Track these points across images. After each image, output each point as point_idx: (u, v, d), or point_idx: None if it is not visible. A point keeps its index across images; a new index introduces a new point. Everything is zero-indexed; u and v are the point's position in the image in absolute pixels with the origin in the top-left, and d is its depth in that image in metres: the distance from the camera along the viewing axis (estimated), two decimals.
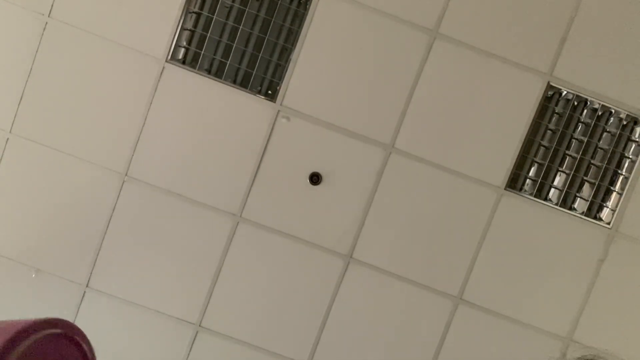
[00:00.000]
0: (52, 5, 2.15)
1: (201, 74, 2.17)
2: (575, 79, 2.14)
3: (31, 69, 2.16)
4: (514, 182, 2.18)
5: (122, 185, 2.20)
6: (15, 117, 2.18)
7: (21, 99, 2.18)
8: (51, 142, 2.19)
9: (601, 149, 2.18)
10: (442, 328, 2.22)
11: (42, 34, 2.15)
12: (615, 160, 2.18)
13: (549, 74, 2.14)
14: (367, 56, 2.15)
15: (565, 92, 2.15)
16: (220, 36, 2.17)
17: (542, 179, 2.18)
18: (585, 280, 2.19)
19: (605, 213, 2.19)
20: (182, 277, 2.23)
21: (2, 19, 2.16)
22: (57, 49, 2.16)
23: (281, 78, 2.17)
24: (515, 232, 2.18)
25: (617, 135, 2.16)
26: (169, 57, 2.16)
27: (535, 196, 2.18)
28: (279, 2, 2.15)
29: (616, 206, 2.17)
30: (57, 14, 2.15)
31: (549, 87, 2.14)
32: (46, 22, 2.15)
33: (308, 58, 2.15)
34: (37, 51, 2.16)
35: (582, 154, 2.18)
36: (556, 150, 2.18)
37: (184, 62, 2.17)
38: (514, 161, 2.16)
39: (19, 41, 2.16)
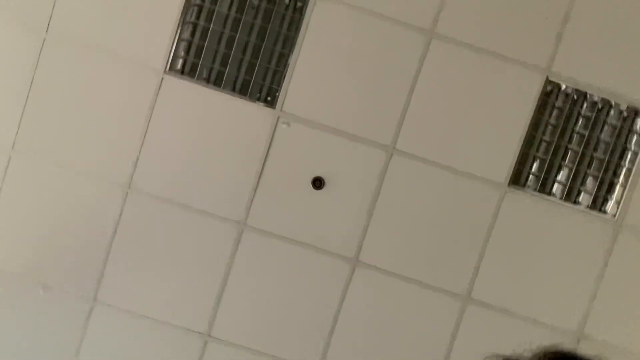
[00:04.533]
0: (49, 22, 2.16)
1: (200, 84, 2.18)
2: (574, 73, 2.14)
3: (31, 85, 2.17)
4: (517, 179, 2.18)
5: (125, 197, 2.20)
6: (17, 133, 2.19)
7: (22, 115, 2.19)
8: (54, 157, 2.20)
9: (603, 141, 2.17)
10: (452, 327, 2.21)
11: (41, 51, 2.16)
12: (618, 152, 2.17)
13: (547, 69, 2.14)
14: (365, 59, 2.16)
15: (564, 87, 2.15)
16: (218, 45, 2.18)
17: (545, 174, 2.18)
18: (593, 274, 2.18)
19: (610, 205, 2.18)
20: (190, 287, 2.23)
21: (0, 36, 2.17)
22: (55, 64, 2.17)
23: (280, 84, 2.17)
24: (520, 228, 2.18)
25: (618, 127, 2.16)
26: (168, 68, 2.17)
27: (539, 191, 2.18)
28: (275, 9, 2.16)
29: (621, 198, 2.17)
30: (55, 30, 2.16)
31: (548, 82, 2.15)
32: (44, 39, 2.16)
33: (306, 63, 2.16)
34: (36, 68, 2.17)
35: (584, 148, 2.17)
36: (558, 145, 2.18)
37: (182, 73, 2.18)
38: (516, 157, 2.16)
39: (17, 58, 2.17)
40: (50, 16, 2.15)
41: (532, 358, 0.68)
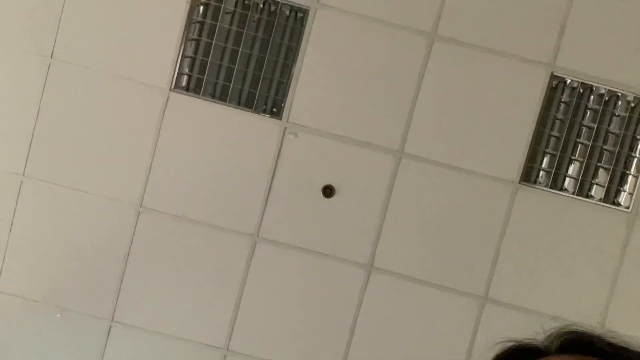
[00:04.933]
0: (53, 46, 2.18)
1: (206, 99, 2.19)
2: (579, 66, 2.13)
3: (39, 111, 2.19)
4: (528, 175, 2.17)
5: (138, 216, 2.21)
6: (27, 160, 2.21)
7: (31, 141, 2.20)
8: (64, 181, 2.21)
9: (612, 133, 2.16)
10: (471, 329, 2.19)
11: (47, 76, 2.18)
12: (628, 143, 2.16)
13: (551, 64, 2.13)
14: (368, 65, 2.16)
15: (569, 81, 2.15)
16: (221, 60, 2.19)
17: (555, 169, 2.17)
18: (610, 267, 2.17)
19: (623, 197, 2.17)
20: (206, 302, 2.23)
21: (6, 63, 2.19)
22: (62, 88, 2.19)
23: (285, 95, 2.18)
24: (534, 226, 2.17)
25: (626, 118, 2.15)
26: (173, 85, 2.18)
27: (550, 187, 2.17)
28: (276, 21, 2.17)
29: (634, 189, 2.15)
30: (59, 55, 2.18)
31: (553, 77, 2.14)
32: (49, 64, 2.18)
33: (310, 73, 2.17)
34: (42, 93, 2.19)
35: (593, 141, 2.16)
36: (567, 140, 2.17)
37: (187, 89, 2.19)
38: (526, 154, 2.15)
39: (24, 85, 2.19)
40: (55, 41, 2.17)
41: (545, 339, 0.68)
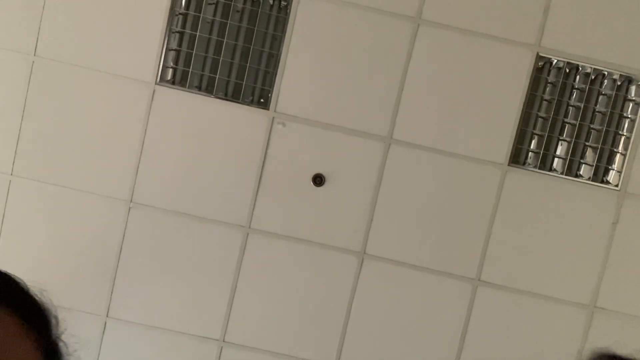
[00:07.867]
0: (36, 44, 2.16)
1: (192, 92, 2.17)
2: (564, 46, 2.13)
3: (24, 109, 2.17)
4: (517, 157, 2.18)
5: (128, 212, 2.20)
6: (14, 158, 2.19)
7: (18, 140, 2.19)
8: (53, 179, 2.20)
9: (599, 112, 2.17)
10: (465, 312, 2.21)
11: (31, 74, 2.16)
12: (615, 121, 2.17)
13: (537, 45, 2.13)
14: (354, 52, 2.15)
15: (555, 61, 2.15)
16: (206, 52, 2.17)
17: (544, 150, 2.17)
18: (601, 245, 2.18)
19: (611, 175, 2.18)
20: (200, 294, 2.23)
21: None
22: (47, 86, 2.17)
23: (271, 85, 2.17)
24: (524, 207, 2.18)
25: (613, 96, 2.15)
26: (158, 79, 2.17)
27: (539, 168, 2.18)
28: (259, 10, 2.16)
29: (622, 167, 2.17)
30: (43, 52, 2.16)
31: (539, 57, 2.14)
32: (33, 62, 2.16)
33: (296, 62, 2.16)
34: (27, 91, 2.17)
35: (580, 120, 2.17)
36: (554, 120, 2.17)
37: (173, 82, 2.18)
38: (514, 136, 2.16)
39: (8, 83, 2.17)
40: (37, 38, 2.15)
41: None
